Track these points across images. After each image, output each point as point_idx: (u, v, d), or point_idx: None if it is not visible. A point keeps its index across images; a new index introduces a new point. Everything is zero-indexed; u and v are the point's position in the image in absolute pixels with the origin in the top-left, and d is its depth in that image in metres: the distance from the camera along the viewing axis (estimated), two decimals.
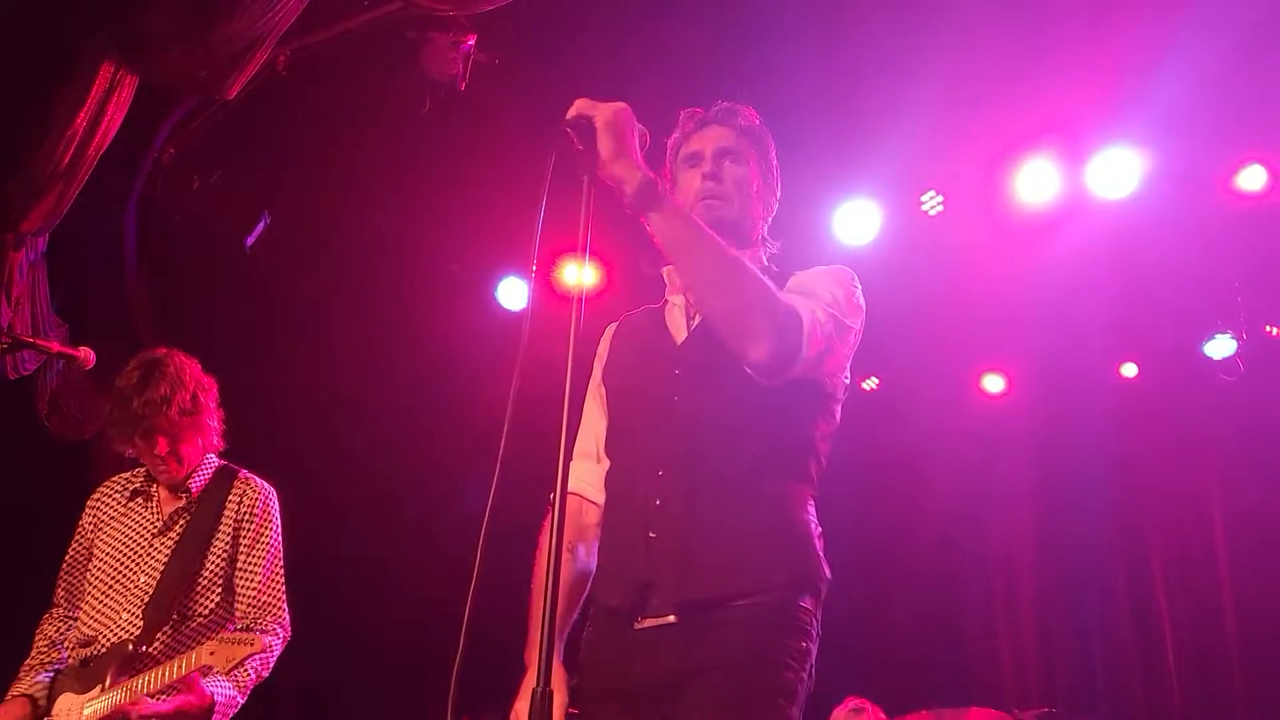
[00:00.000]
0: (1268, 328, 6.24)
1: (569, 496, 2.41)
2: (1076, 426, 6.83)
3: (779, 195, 2.58)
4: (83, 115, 3.88)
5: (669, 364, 2.35)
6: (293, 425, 5.14)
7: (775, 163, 2.55)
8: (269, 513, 3.40)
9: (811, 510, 2.30)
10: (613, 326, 2.62)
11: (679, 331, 2.40)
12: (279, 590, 3.34)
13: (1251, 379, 6.24)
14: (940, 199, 5.92)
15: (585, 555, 2.41)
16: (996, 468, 6.87)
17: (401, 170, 5.02)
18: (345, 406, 5.46)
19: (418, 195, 5.23)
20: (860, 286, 2.38)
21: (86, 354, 3.16)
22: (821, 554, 2.26)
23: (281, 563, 3.39)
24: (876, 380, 7.29)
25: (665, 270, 2.48)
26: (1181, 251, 5.81)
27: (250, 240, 5.09)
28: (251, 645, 2.98)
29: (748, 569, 2.14)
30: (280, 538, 3.42)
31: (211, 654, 2.94)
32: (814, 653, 2.20)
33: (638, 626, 2.19)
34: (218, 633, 3.18)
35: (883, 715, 4.60)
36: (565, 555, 2.36)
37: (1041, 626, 6.40)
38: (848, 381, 2.42)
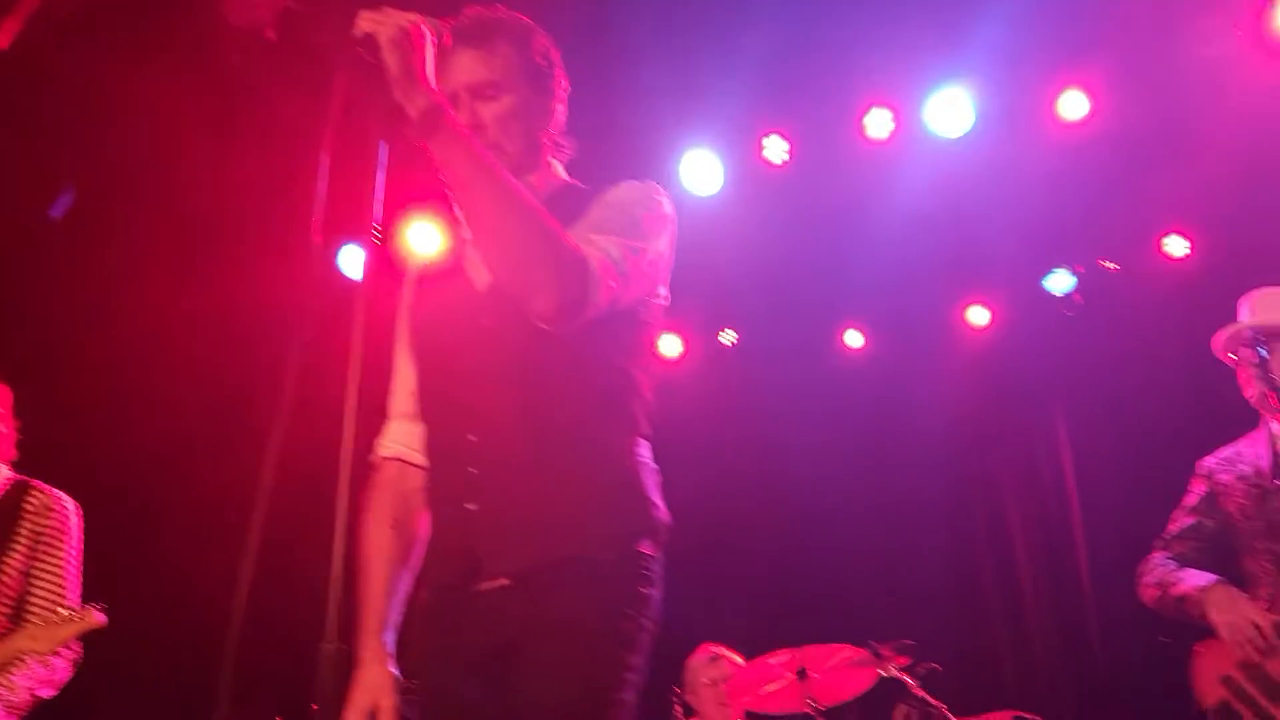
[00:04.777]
0: (1103, 262, 6.41)
1: (389, 462, 2.32)
2: (929, 369, 6.94)
3: (564, 90, 2.32)
4: None
5: (473, 314, 2.16)
6: (96, 417, 4.82)
7: (546, 59, 2.26)
8: (67, 526, 3.24)
9: (643, 453, 2.18)
10: (415, 270, 2.42)
11: (480, 275, 2.19)
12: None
13: (1090, 312, 6.41)
14: (785, 146, 5.89)
15: (413, 524, 2.27)
16: (856, 416, 6.93)
17: (219, 128, 4.71)
18: (160, 392, 5.10)
19: (240, 155, 4.90)
20: (667, 199, 2.22)
21: None
22: (657, 497, 2.15)
23: (77, 580, 3.24)
24: (735, 335, 7.28)
25: None
26: (1020, 187, 5.91)
27: (55, 212, 4.73)
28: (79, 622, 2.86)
29: (577, 528, 2.04)
30: (78, 555, 3.26)
31: (34, 639, 2.84)
32: (655, 598, 2.10)
33: (471, 590, 2.08)
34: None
35: (740, 660, 4.56)
36: (389, 530, 2.23)
37: (898, 566, 6.50)
38: (664, 301, 2.28)
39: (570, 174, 2.36)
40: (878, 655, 4.22)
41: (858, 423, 6.85)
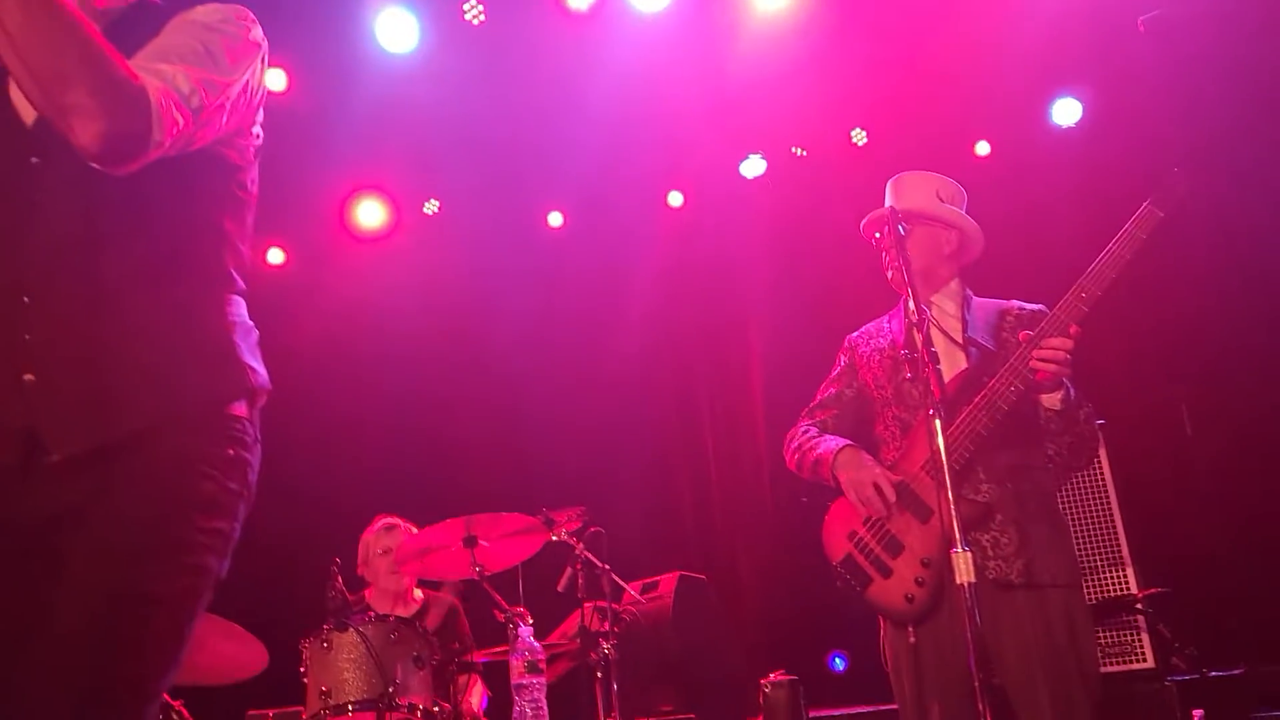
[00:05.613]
0: (794, 149, 6.65)
1: None
2: (631, 250, 7.04)
3: None
4: None
5: (22, 151, 1.86)
6: None
7: None
8: None
9: (236, 311, 2.00)
10: None
11: (27, 107, 1.86)
12: None
13: (780, 196, 6.66)
14: (481, 8, 5.70)
15: None
16: (557, 291, 6.98)
17: None
18: None
19: None
20: (256, 25, 2.00)
21: None
22: (252, 358, 1.98)
23: None
24: (438, 204, 7.11)
25: None
26: (717, 68, 5.99)
27: None
28: None
29: (154, 397, 1.83)
30: None
31: None
32: (249, 462, 1.95)
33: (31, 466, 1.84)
34: None
35: (414, 528, 4.57)
36: None
37: (591, 437, 6.66)
38: (259, 140, 2.08)
39: None
40: (549, 521, 4.30)
41: (558, 297, 6.91)
